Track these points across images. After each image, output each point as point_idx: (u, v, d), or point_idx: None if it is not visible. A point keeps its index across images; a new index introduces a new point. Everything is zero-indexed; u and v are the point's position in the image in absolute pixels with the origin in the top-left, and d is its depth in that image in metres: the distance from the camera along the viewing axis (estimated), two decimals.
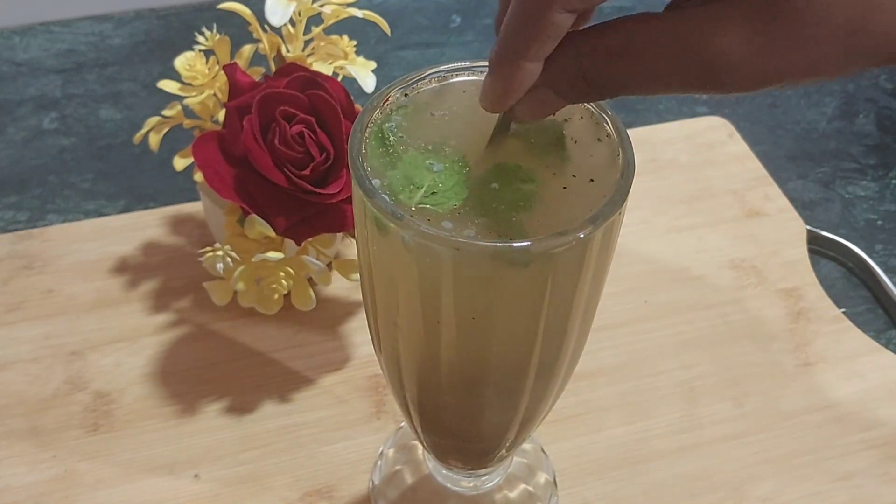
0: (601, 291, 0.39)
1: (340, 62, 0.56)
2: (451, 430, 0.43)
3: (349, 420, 0.54)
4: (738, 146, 0.71)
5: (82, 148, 0.72)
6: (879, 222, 0.68)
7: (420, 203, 0.34)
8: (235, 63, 0.53)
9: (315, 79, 0.51)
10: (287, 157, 0.50)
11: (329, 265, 0.55)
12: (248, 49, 0.56)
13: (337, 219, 0.52)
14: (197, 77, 0.54)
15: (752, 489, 0.51)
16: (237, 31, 0.58)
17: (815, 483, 0.51)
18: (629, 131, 0.37)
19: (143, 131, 0.56)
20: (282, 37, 0.56)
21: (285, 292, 0.52)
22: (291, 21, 0.54)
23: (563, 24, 0.31)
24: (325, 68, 0.54)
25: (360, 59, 0.57)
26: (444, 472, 0.49)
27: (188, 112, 0.56)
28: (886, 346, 0.59)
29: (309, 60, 0.55)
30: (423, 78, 0.39)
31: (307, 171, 0.50)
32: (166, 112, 0.56)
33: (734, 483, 0.51)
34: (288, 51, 0.55)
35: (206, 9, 0.86)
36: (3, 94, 0.76)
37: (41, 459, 0.52)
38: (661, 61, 0.30)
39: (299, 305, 0.53)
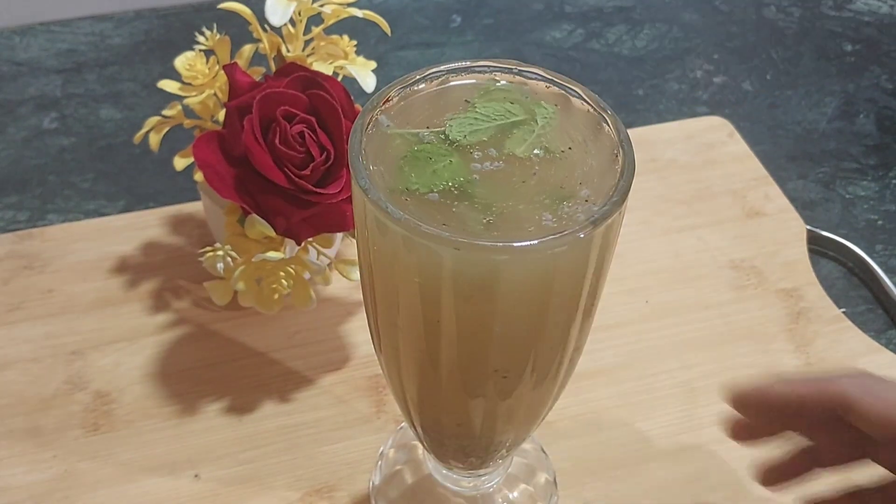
0: (601, 291, 0.39)
1: (340, 62, 0.56)
2: (451, 430, 0.43)
3: (349, 420, 0.54)
4: (738, 146, 0.71)
5: (82, 148, 0.72)
6: (879, 222, 0.68)
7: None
8: (235, 63, 0.53)
9: (315, 79, 0.51)
10: (287, 156, 0.50)
11: (329, 265, 0.55)
12: (248, 49, 0.56)
13: (337, 219, 0.52)
14: (197, 77, 0.54)
15: (752, 489, 0.51)
16: (237, 31, 0.58)
17: (816, 483, 0.51)
18: (629, 131, 0.37)
19: (143, 131, 0.56)
20: (282, 37, 0.56)
21: (285, 292, 0.52)
22: (291, 21, 0.54)
23: None
24: (325, 68, 0.54)
25: (360, 59, 0.57)
26: (444, 472, 0.49)
27: (188, 112, 0.56)
28: (886, 346, 0.59)
29: (309, 60, 0.55)
30: (424, 78, 0.39)
31: (307, 171, 0.50)
32: (166, 112, 0.56)
33: (734, 483, 0.51)
34: (288, 51, 0.55)
35: (206, 9, 0.86)
36: (3, 94, 0.76)
37: (41, 459, 0.52)
38: None
39: (299, 305, 0.53)
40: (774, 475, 0.44)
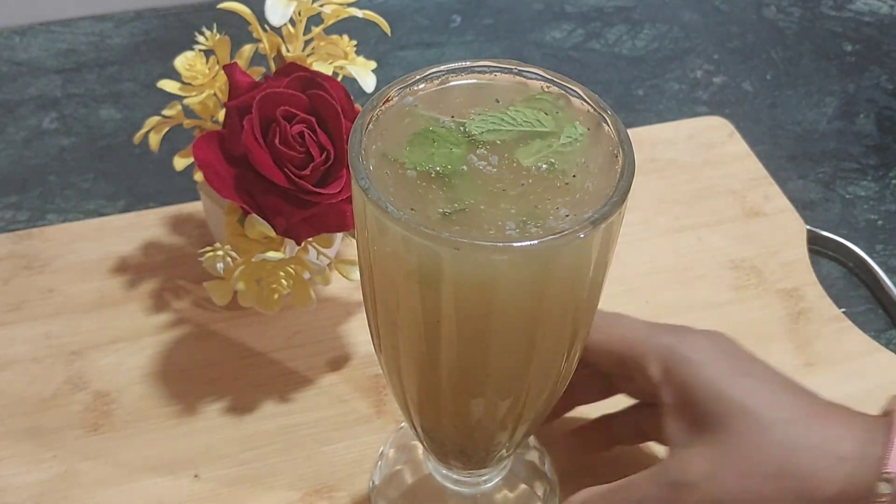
0: (601, 291, 0.39)
1: (340, 62, 0.56)
2: (450, 429, 0.43)
3: (349, 420, 0.54)
4: (738, 146, 0.71)
5: (82, 148, 0.72)
6: (880, 222, 0.68)
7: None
8: (235, 63, 0.53)
9: (315, 79, 0.51)
10: (287, 157, 0.50)
11: (329, 265, 0.55)
12: (248, 49, 0.56)
13: (337, 219, 0.52)
14: (197, 77, 0.54)
15: None
16: (237, 31, 0.58)
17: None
18: (629, 131, 0.37)
19: (143, 131, 0.56)
20: (282, 37, 0.56)
21: (285, 292, 0.52)
22: (291, 21, 0.54)
23: None
24: (325, 68, 0.54)
25: (360, 59, 0.57)
26: (444, 472, 0.49)
27: (188, 112, 0.56)
28: (886, 346, 0.59)
29: (309, 60, 0.55)
30: (424, 78, 0.39)
31: (307, 171, 0.50)
32: (166, 112, 0.56)
33: None
34: (288, 51, 0.55)
35: (206, 9, 0.86)
36: (3, 94, 0.76)
37: (41, 459, 0.52)
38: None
39: (299, 305, 0.53)
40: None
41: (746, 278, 0.62)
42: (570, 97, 0.38)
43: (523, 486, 0.51)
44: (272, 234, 0.51)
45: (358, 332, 0.58)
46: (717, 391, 0.41)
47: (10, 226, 0.65)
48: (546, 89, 0.38)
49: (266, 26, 0.54)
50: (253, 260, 0.51)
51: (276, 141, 0.50)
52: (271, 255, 0.51)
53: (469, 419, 0.41)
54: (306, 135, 0.50)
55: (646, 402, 0.47)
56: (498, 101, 0.38)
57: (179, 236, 0.64)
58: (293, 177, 0.50)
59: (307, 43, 0.56)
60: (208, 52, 0.55)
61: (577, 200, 0.34)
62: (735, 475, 0.39)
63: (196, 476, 0.51)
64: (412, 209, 0.34)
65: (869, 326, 0.60)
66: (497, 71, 0.39)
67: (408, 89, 0.38)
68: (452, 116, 0.37)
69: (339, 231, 0.53)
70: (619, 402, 0.50)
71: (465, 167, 0.35)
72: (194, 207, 0.65)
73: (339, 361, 0.57)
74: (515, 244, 0.32)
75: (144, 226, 0.64)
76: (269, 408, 0.54)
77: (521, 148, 0.36)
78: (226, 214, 0.53)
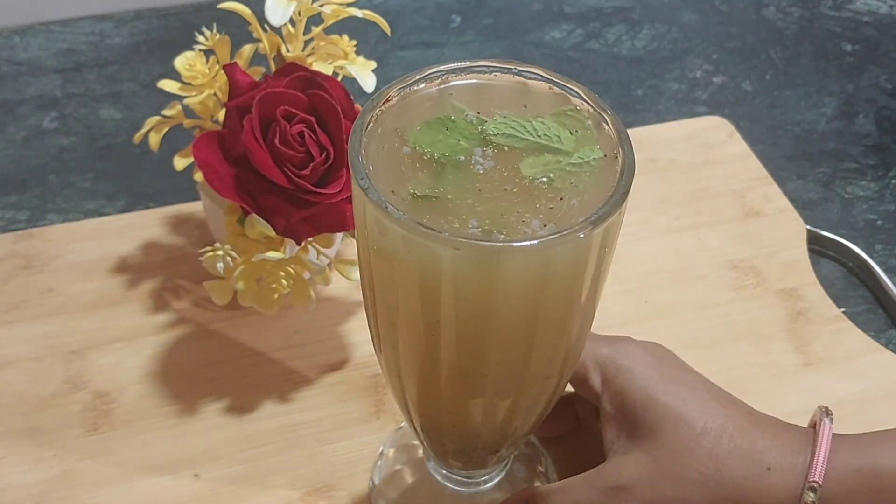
0: (601, 291, 0.39)
1: (340, 62, 0.56)
2: (450, 430, 0.43)
3: (349, 420, 0.54)
4: (738, 146, 0.71)
5: (82, 148, 0.72)
6: (879, 222, 0.68)
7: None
8: (235, 63, 0.53)
9: (315, 79, 0.51)
10: (287, 156, 0.50)
11: (329, 265, 0.55)
12: (248, 49, 0.56)
13: (337, 219, 0.52)
14: (197, 77, 0.54)
15: None
16: (237, 31, 0.58)
17: None
18: (629, 131, 0.37)
19: (143, 131, 0.56)
20: (282, 37, 0.56)
21: (285, 292, 0.52)
22: (291, 21, 0.54)
23: None
24: (325, 68, 0.54)
25: (360, 59, 0.57)
26: (443, 472, 0.49)
27: (188, 112, 0.56)
28: (886, 346, 0.59)
29: (309, 60, 0.55)
30: (424, 78, 0.39)
31: (307, 171, 0.50)
32: (166, 112, 0.56)
33: None
34: (288, 50, 0.55)
35: (206, 9, 0.86)
36: (3, 93, 0.76)
37: (41, 459, 0.52)
38: None
39: (299, 305, 0.53)
40: None
41: (746, 278, 0.62)
42: (603, 123, 0.37)
43: (523, 485, 0.51)
44: (272, 233, 0.51)
45: (358, 332, 0.58)
46: (651, 399, 0.42)
47: (10, 226, 0.65)
48: (579, 108, 0.38)
49: (266, 26, 0.54)
50: (253, 260, 0.51)
51: (276, 141, 0.50)
52: (271, 254, 0.51)
53: (469, 419, 0.41)
54: (306, 135, 0.50)
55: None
56: (525, 107, 0.38)
57: (179, 236, 0.64)
58: (293, 177, 0.50)
59: (307, 43, 0.56)
60: (208, 52, 0.55)
61: (549, 218, 0.34)
62: (667, 481, 0.41)
63: (196, 476, 0.51)
64: (392, 191, 0.34)
65: (869, 326, 0.60)
66: (497, 71, 0.39)
67: (407, 89, 0.38)
68: (479, 112, 0.37)
69: (339, 231, 0.53)
70: None
71: (461, 159, 0.36)
72: (194, 207, 0.65)
73: (339, 361, 0.57)
74: (515, 244, 0.32)
75: (144, 226, 0.64)
76: (268, 407, 0.54)
77: (529, 158, 0.36)
78: (226, 214, 0.53)
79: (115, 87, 0.77)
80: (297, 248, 0.53)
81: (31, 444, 0.52)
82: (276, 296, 0.52)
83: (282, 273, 0.52)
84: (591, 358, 0.45)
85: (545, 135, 0.36)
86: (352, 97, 0.53)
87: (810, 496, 0.39)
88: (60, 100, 0.76)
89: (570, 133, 0.37)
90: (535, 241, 0.32)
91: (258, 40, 0.56)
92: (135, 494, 0.50)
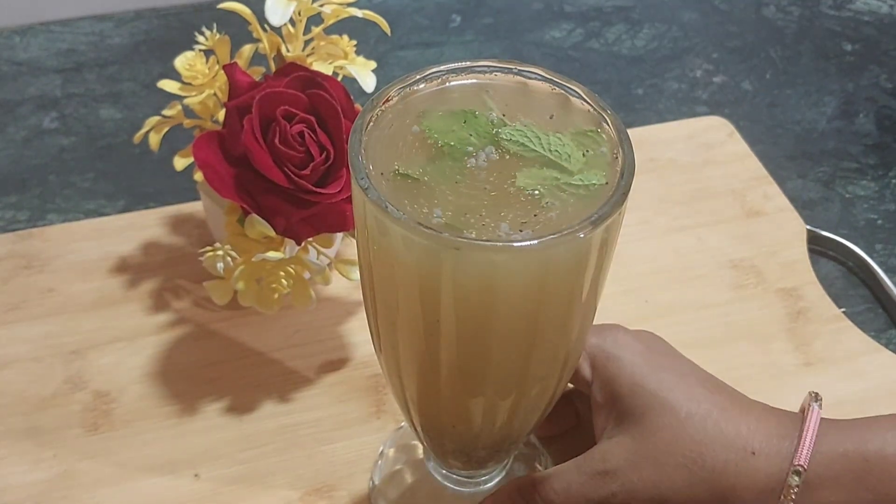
0: (601, 291, 0.39)
1: (340, 62, 0.56)
2: (450, 430, 0.43)
3: (349, 420, 0.54)
4: (737, 146, 0.71)
5: (82, 148, 0.72)
6: (879, 222, 0.68)
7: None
8: (235, 63, 0.53)
9: (315, 78, 0.51)
10: (287, 156, 0.50)
11: (329, 265, 0.55)
12: (248, 49, 0.56)
13: (337, 219, 0.52)
14: (197, 77, 0.54)
15: None
16: (237, 31, 0.58)
17: None
18: (629, 131, 0.37)
19: (143, 131, 0.56)
20: (282, 36, 0.56)
21: (285, 292, 0.52)
22: (291, 21, 0.54)
23: None
24: (325, 68, 0.54)
25: (360, 59, 0.57)
26: (443, 472, 0.49)
27: (188, 112, 0.56)
28: (886, 346, 0.59)
29: (309, 60, 0.55)
30: (424, 78, 0.39)
31: (307, 171, 0.50)
32: (166, 112, 0.56)
33: None
34: (288, 50, 0.55)
35: (206, 9, 0.86)
36: (3, 93, 0.76)
37: (41, 459, 0.52)
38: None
39: (299, 305, 0.53)
40: None
41: (746, 278, 0.62)
42: (603, 123, 0.37)
43: None
44: (272, 233, 0.51)
45: (358, 332, 0.58)
46: (638, 385, 0.43)
47: (10, 226, 0.65)
48: (600, 131, 0.37)
49: (266, 26, 0.54)
50: (253, 260, 0.51)
51: (276, 141, 0.50)
52: (271, 254, 0.51)
53: (469, 419, 0.41)
54: (306, 134, 0.50)
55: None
56: (551, 118, 0.38)
57: (179, 236, 0.64)
58: (293, 176, 0.50)
59: (307, 43, 0.56)
60: (208, 52, 0.55)
61: (516, 226, 0.34)
62: (651, 464, 0.41)
63: (196, 476, 0.51)
64: (381, 173, 0.35)
65: (869, 326, 0.60)
66: (497, 71, 0.39)
67: (407, 89, 0.38)
68: (504, 115, 0.38)
69: (339, 231, 0.53)
70: None
71: (465, 153, 0.36)
72: (194, 207, 0.65)
73: (339, 361, 0.57)
74: (515, 244, 0.32)
75: (144, 226, 0.64)
76: (268, 407, 0.54)
77: (531, 169, 0.36)
78: (226, 214, 0.53)
79: (115, 87, 0.77)
80: (297, 248, 0.53)
81: (31, 444, 0.52)
82: (276, 296, 0.52)
83: (282, 273, 0.52)
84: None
85: (555, 151, 0.36)
86: (352, 97, 0.53)
87: (794, 479, 0.39)
88: (60, 100, 0.76)
89: (583, 154, 0.36)
90: (535, 241, 0.32)
91: (258, 40, 0.56)
92: (135, 494, 0.50)
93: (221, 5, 0.56)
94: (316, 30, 0.56)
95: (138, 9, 0.85)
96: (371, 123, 0.37)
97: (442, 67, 0.39)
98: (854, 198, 0.70)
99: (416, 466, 0.51)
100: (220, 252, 0.52)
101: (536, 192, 0.35)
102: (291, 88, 0.51)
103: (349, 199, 0.51)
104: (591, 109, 0.38)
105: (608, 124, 0.37)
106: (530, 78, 0.39)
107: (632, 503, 0.41)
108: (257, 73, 0.56)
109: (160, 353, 0.57)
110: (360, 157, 0.35)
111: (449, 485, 0.49)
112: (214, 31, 0.55)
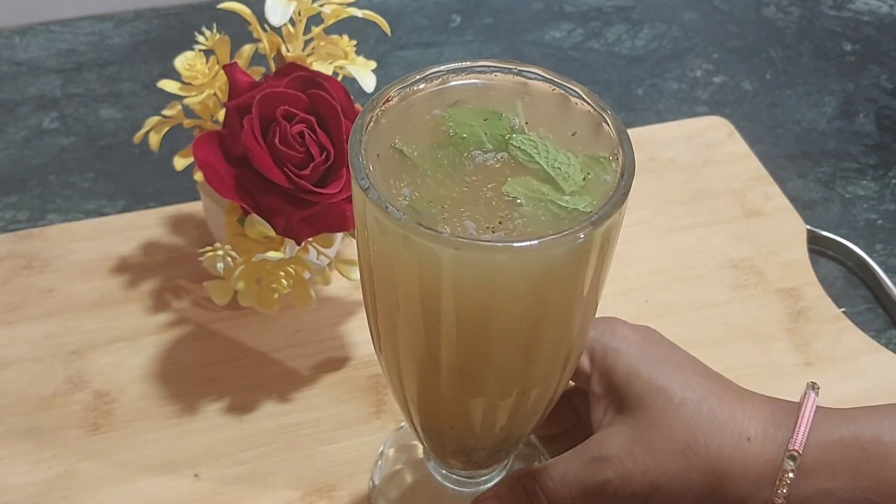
0: (601, 291, 0.39)
1: (340, 62, 0.56)
2: (450, 430, 0.43)
3: (349, 420, 0.54)
4: (738, 146, 0.71)
5: (82, 148, 0.72)
6: (879, 222, 0.68)
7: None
8: (235, 63, 0.53)
9: (315, 78, 0.51)
10: (287, 156, 0.50)
11: (329, 265, 0.55)
12: (248, 49, 0.56)
13: (337, 219, 0.52)
14: (197, 77, 0.54)
15: None
16: (237, 31, 0.58)
17: None
18: (629, 131, 0.37)
19: (143, 131, 0.56)
20: (282, 36, 0.56)
21: (285, 292, 0.52)
22: (291, 21, 0.54)
23: None
24: (325, 68, 0.54)
25: (360, 59, 0.57)
26: (443, 472, 0.49)
27: (188, 112, 0.56)
28: (886, 346, 0.59)
29: (309, 60, 0.55)
30: (424, 78, 0.39)
31: (307, 171, 0.50)
32: (166, 112, 0.56)
33: None
34: (288, 50, 0.55)
35: (206, 9, 0.86)
36: (3, 93, 0.76)
37: (41, 459, 0.52)
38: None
39: (299, 305, 0.53)
40: None
41: (746, 278, 0.62)
42: (603, 124, 0.37)
43: None
44: (272, 233, 0.51)
45: (358, 332, 0.58)
46: (634, 374, 0.43)
47: (10, 226, 0.65)
48: (612, 159, 0.36)
49: (266, 26, 0.54)
50: (253, 260, 0.51)
51: (276, 141, 0.50)
52: (271, 254, 0.51)
53: (469, 419, 0.41)
54: (306, 134, 0.50)
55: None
56: (573, 136, 0.37)
57: (179, 236, 0.64)
58: (293, 176, 0.50)
59: (307, 43, 0.56)
60: (208, 52, 0.55)
61: (483, 228, 0.34)
62: (646, 451, 0.41)
63: (196, 476, 0.51)
64: (398, 141, 0.36)
65: (869, 326, 0.60)
66: (497, 71, 0.39)
67: (407, 89, 0.38)
68: (526, 123, 0.38)
69: (339, 231, 0.53)
70: None
71: (469, 149, 0.36)
72: (194, 207, 0.65)
73: (339, 361, 0.57)
74: (515, 244, 0.32)
75: (144, 226, 0.64)
76: (268, 407, 0.54)
77: (524, 178, 0.35)
78: (226, 214, 0.53)
79: (115, 87, 0.77)
80: (297, 248, 0.53)
81: (31, 444, 0.52)
82: (276, 296, 0.52)
83: (282, 273, 0.52)
84: None
85: (557, 168, 0.36)
86: (352, 97, 0.53)
87: (790, 464, 0.39)
88: (60, 100, 0.76)
89: (584, 178, 0.36)
90: (536, 241, 0.32)
91: (258, 40, 0.56)
92: (135, 494, 0.50)
93: (221, 5, 0.56)
94: (316, 30, 0.56)
95: (138, 9, 0.85)
96: (371, 123, 0.37)
97: (442, 67, 0.39)
98: (854, 198, 0.70)
99: (416, 466, 0.51)
100: (220, 252, 0.52)
101: (519, 200, 0.35)
102: (291, 88, 0.51)
103: (349, 199, 0.51)
104: (591, 109, 0.38)
105: (608, 124, 0.37)
106: (530, 78, 0.39)
107: (627, 489, 0.41)
108: (257, 73, 0.56)
109: (160, 353, 0.57)
110: (360, 157, 0.35)
111: (449, 485, 0.49)
112: (214, 31, 0.55)
